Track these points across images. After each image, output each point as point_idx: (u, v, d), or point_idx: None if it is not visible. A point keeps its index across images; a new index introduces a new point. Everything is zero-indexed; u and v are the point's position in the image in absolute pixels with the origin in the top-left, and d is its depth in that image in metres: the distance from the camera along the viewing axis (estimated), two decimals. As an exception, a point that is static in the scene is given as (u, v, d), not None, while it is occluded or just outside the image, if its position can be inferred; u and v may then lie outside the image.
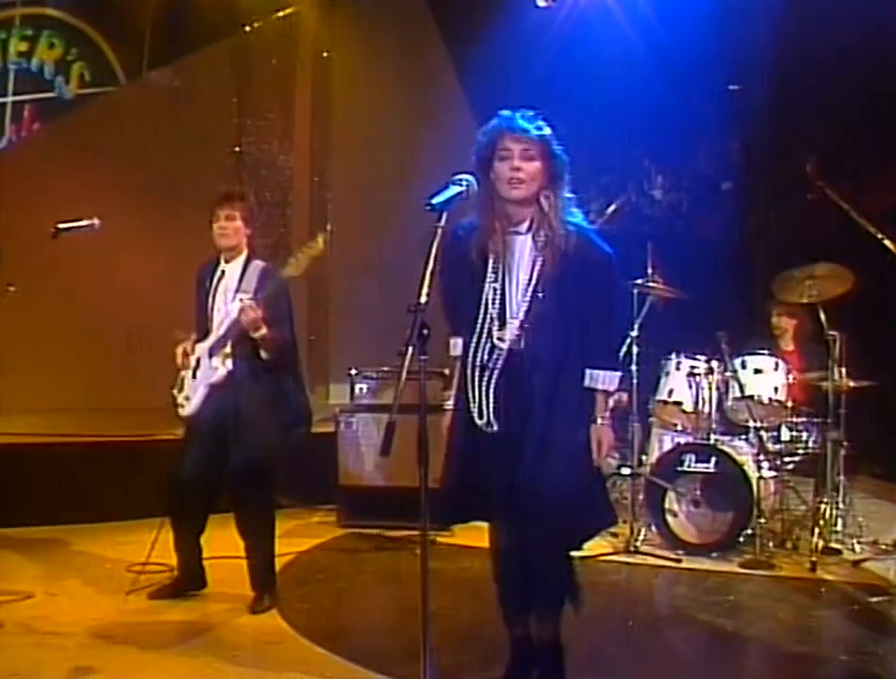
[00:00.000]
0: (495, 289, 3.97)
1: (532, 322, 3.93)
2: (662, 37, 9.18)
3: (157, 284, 8.75)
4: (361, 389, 7.54)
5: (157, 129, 9.93)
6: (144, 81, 10.22)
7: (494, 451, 3.94)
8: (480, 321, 3.98)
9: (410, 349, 3.43)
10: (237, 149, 10.66)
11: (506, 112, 4.00)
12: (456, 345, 4.11)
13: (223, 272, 5.43)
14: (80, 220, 5.46)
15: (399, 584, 5.77)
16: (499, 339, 3.95)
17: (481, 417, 3.94)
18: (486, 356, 3.96)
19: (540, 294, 3.94)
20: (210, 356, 5.29)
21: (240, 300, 5.17)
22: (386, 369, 7.39)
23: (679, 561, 6.34)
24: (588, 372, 3.96)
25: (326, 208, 11.09)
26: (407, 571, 5.59)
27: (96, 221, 5.49)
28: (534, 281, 3.95)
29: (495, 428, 3.94)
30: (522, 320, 3.94)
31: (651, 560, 6.37)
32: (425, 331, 3.47)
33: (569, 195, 4.01)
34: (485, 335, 3.97)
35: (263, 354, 5.25)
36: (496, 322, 3.96)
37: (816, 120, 8.84)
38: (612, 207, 7.33)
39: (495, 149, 3.93)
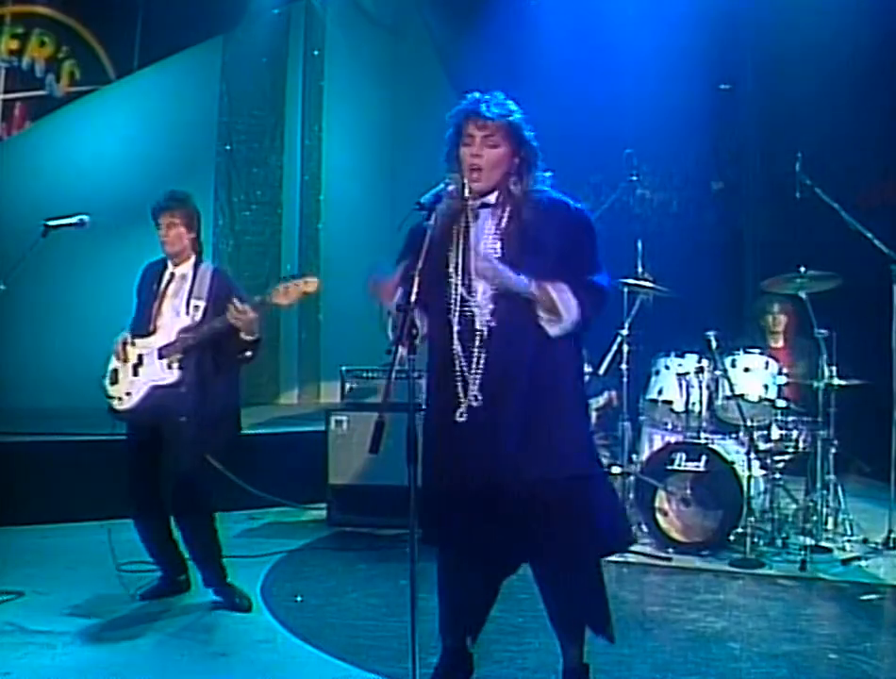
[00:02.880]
0: (458, 263, 3.75)
1: (501, 295, 3.68)
2: (652, 36, 9.19)
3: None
4: (352, 387, 7.52)
5: (147, 127, 9.92)
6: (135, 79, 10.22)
7: (474, 443, 3.69)
8: (450, 297, 3.74)
9: (399, 348, 3.43)
10: (227, 148, 10.66)
11: (475, 94, 3.78)
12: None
13: (171, 274, 5.37)
14: (69, 217, 5.45)
15: (389, 582, 5.76)
16: (469, 312, 3.71)
17: (466, 395, 3.69)
18: (461, 329, 3.72)
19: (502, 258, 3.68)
20: (161, 357, 5.22)
21: (234, 306, 5.08)
22: (376, 367, 7.38)
23: (669, 560, 6.34)
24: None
25: (317, 207, 11.11)
26: (397, 570, 5.58)
27: (85, 218, 5.48)
28: (497, 251, 3.71)
29: (478, 407, 3.67)
30: (493, 292, 3.69)
31: (641, 559, 6.36)
32: (414, 330, 3.47)
33: (546, 174, 3.79)
34: (457, 309, 3.73)
35: (247, 354, 5.21)
36: (464, 295, 3.72)
37: (805, 119, 8.86)
38: (603, 206, 7.34)
39: (460, 134, 3.76)
